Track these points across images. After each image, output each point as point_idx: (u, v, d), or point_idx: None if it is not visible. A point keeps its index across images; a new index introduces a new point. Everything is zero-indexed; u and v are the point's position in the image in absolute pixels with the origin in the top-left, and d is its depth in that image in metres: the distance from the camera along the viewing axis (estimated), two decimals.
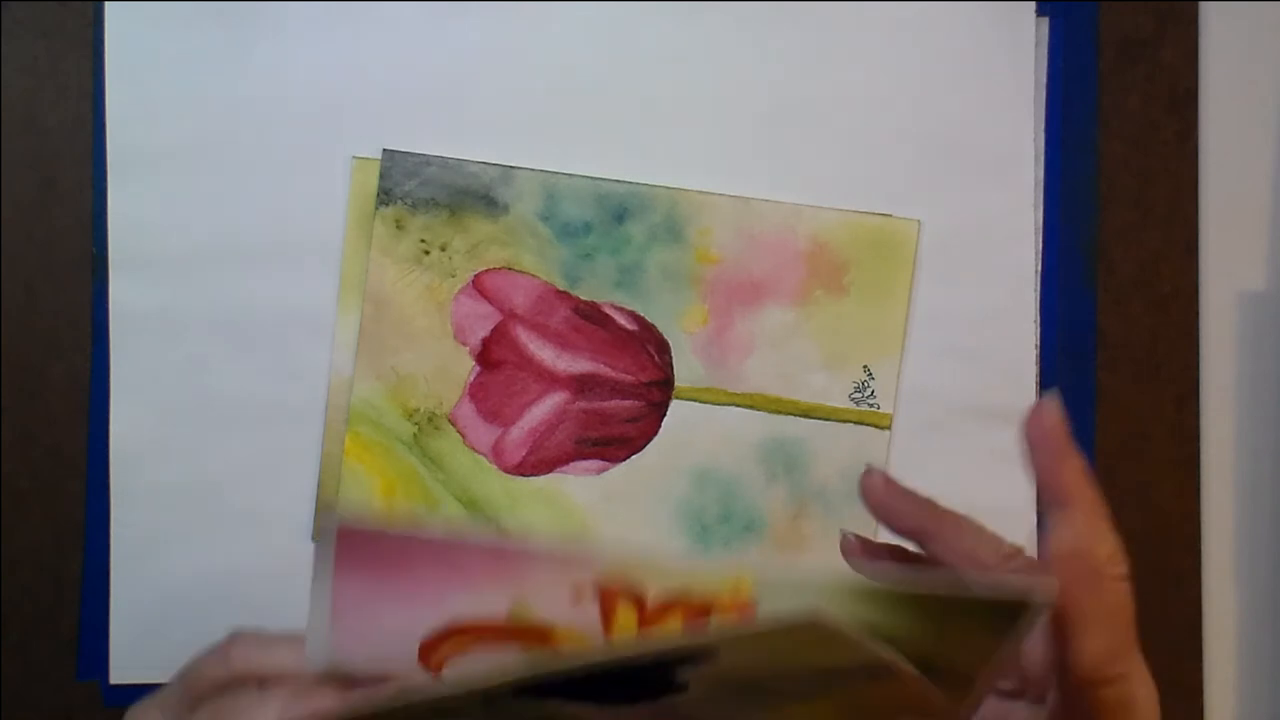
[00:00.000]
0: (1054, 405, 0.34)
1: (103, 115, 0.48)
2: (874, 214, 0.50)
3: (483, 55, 0.49)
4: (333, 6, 0.48)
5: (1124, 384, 0.52)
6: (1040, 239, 0.51)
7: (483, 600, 0.37)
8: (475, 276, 0.49)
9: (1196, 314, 0.52)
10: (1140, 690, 0.34)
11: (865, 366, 0.50)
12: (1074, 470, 0.34)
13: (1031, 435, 0.34)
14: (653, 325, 0.49)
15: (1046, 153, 0.51)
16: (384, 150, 0.48)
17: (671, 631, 0.35)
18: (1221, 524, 0.53)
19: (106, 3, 0.48)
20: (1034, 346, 0.51)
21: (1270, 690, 0.53)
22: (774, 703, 0.36)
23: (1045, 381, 0.51)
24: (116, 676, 0.48)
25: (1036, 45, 0.51)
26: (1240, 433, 0.53)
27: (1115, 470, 0.52)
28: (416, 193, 0.48)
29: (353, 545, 0.35)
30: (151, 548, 0.48)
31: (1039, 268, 0.51)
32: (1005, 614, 0.33)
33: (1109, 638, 0.33)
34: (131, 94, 0.48)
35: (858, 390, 0.50)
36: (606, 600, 0.37)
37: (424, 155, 0.48)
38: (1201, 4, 0.53)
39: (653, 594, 0.37)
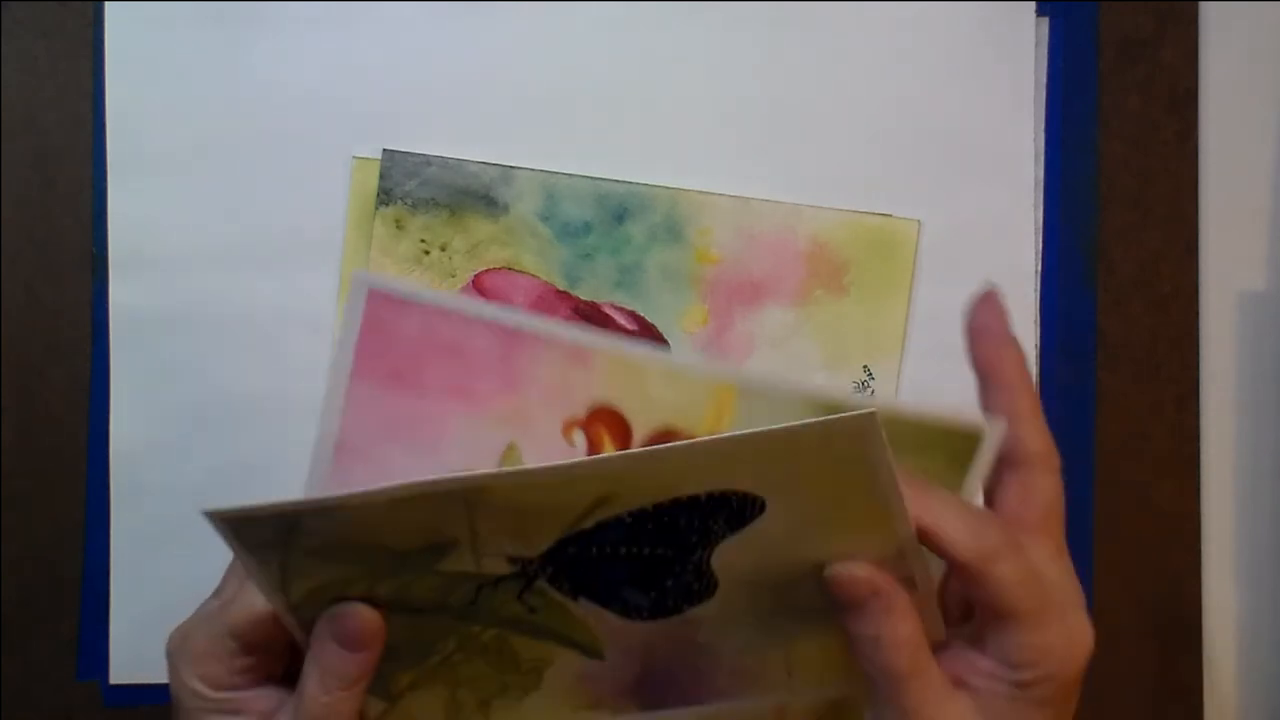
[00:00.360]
0: (996, 296, 0.34)
1: (103, 115, 0.48)
2: (874, 214, 0.50)
3: (483, 55, 0.49)
4: (333, 6, 0.48)
5: (1124, 384, 0.52)
6: (1040, 239, 0.51)
7: (482, 434, 0.37)
8: (475, 276, 0.49)
9: (1196, 314, 0.52)
10: (1052, 570, 0.35)
11: (865, 366, 0.50)
12: (1012, 361, 0.35)
13: (973, 325, 0.35)
14: (653, 325, 0.49)
15: (1046, 153, 0.51)
16: (384, 150, 0.48)
17: (719, 434, 0.36)
18: (1221, 524, 0.53)
19: (106, 3, 0.48)
20: (1034, 346, 0.51)
21: (1270, 690, 0.53)
22: (793, 630, 0.37)
23: (1045, 381, 0.51)
24: (116, 676, 0.48)
25: (1036, 45, 0.51)
26: (1240, 433, 0.53)
27: (1115, 470, 0.52)
28: (416, 193, 0.48)
29: (376, 321, 0.36)
30: (151, 548, 0.48)
31: (1039, 268, 0.51)
32: (963, 444, 0.35)
33: (967, 520, 0.34)
34: (131, 94, 0.48)
35: (858, 390, 0.50)
36: (594, 439, 0.38)
37: (424, 155, 0.48)
38: (1201, 4, 0.53)
39: (638, 427, 0.38)
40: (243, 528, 0.34)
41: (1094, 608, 0.52)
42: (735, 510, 0.34)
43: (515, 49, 0.49)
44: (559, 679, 0.37)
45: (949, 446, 0.36)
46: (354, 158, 0.48)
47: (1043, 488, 0.36)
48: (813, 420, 0.32)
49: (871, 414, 0.31)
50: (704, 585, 0.36)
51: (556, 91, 0.49)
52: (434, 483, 0.32)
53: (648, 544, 0.35)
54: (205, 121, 0.48)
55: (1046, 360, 0.51)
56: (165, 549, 0.48)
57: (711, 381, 0.38)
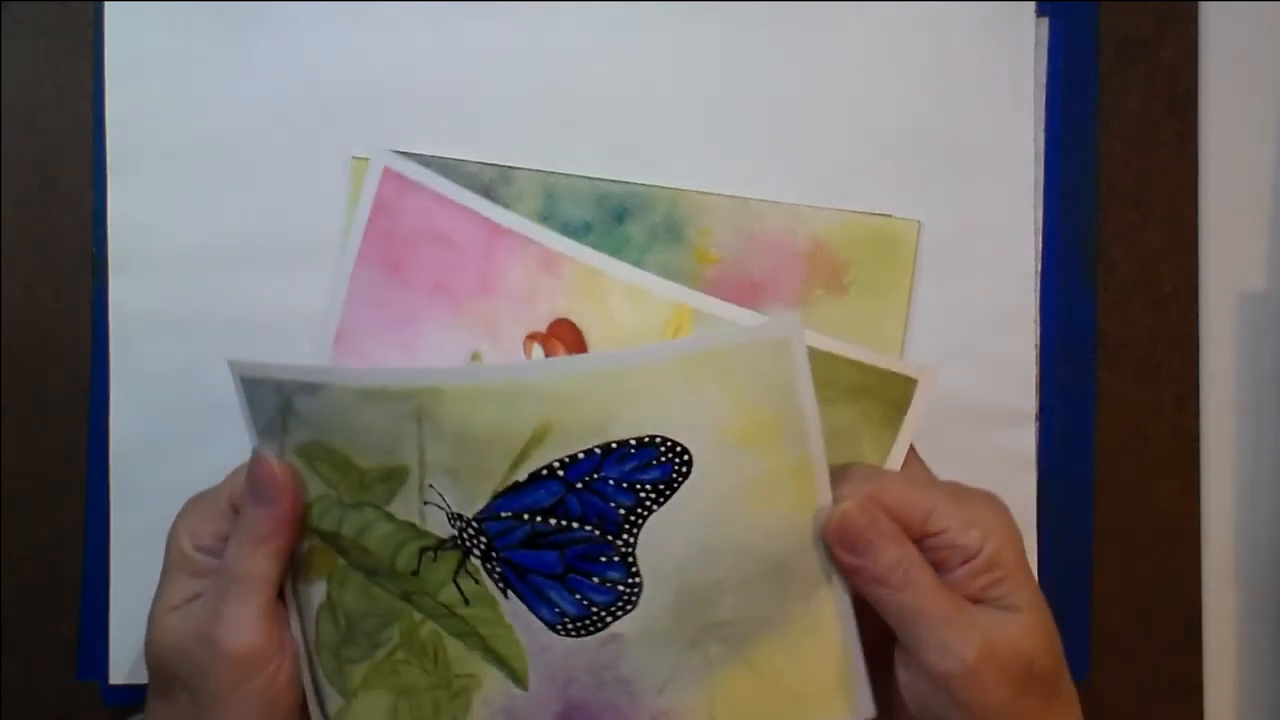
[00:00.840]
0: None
1: (103, 115, 0.48)
2: (874, 214, 0.50)
3: (483, 55, 0.49)
4: (333, 6, 0.48)
5: (1124, 384, 0.52)
6: (1040, 239, 0.51)
7: (456, 337, 0.41)
8: None
9: (1196, 314, 0.52)
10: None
11: None
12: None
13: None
14: None
15: (1046, 153, 0.51)
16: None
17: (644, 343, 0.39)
18: (1221, 524, 0.53)
19: (106, 3, 0.48)
20: (1034, 346, 0.51)
21: (1270, 690, 0.53)
22: (717, 655, 0.38)
23: (1045, 381, 0.51)
24: (116, 676, 0.48)
25: (1036, 45, 0.51)
26: (1240, 433, 0.53)
27: (1115, 470, 0.52)
28: None
29: (385, 202, 0.39)
30: (151, 548, 0.48)
31: (1039, 268, 0.51)
32: (898, 391, 0.39)
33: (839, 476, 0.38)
34: (131, 94, 0.48)
35: None
36: (550, 354, 0.41)
37: (424, 155, 0.48)
38: (1201, 4, 0.53)
39: (594, 345, 0.41)
40: (254, 395, 0.37)
41: (1094, 608, 0.52)
42: (664, 464, 0.34)
43: (515, 49, 0.49)
44: (484, 711, 0.38)
45: (884, 393, 0.38)
46: (354, 158, 0.48)
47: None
48: (741, 328, 0.35)
49: (794, 316, 0.35)
50: (630, 587, 0.36)
51: (556, 91, 0.49)
52: (397, 373, 0.35)
53: (576, 516, 0.35)
54: (205, 122, 0.48)
55: (1046, 360, 0.51)
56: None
57: (670, 302, 0.40)
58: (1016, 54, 0.51)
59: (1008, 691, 0.36)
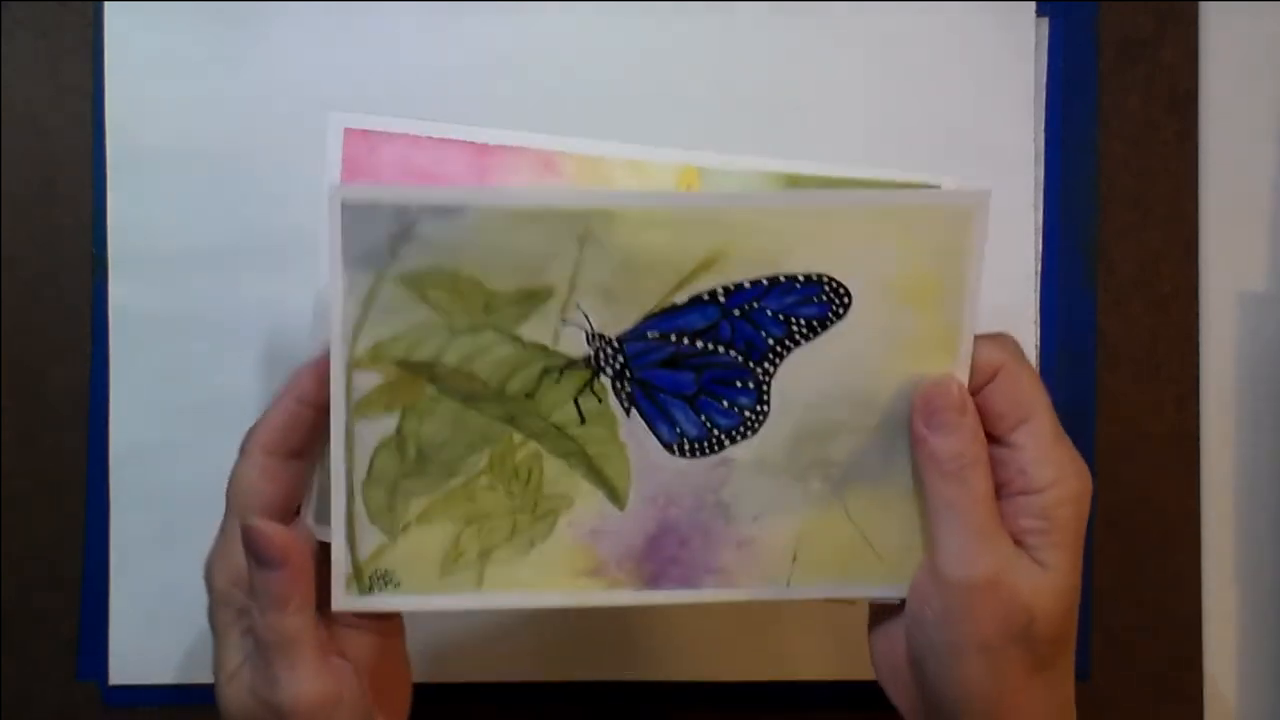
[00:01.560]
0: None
1: (103, 115, 0.48)
2: None
3: (482, 56, 0.49)
4: (332, 7, 0.48)
5: (1124, 384, 0.52)
6: (1040, 239, 0.51)
7: None
8: None
9: (1196, 314, 0.52)
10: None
11: None
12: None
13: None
14: None
15: (1046, 153, 0.51)
16: None
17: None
18: (1221, 524, 0.53)
19: (106, 3, 0.48)
20: (1034, 346, 0.51)
21: (1270, 690, 0.53)
22: (816, 495, 0.39)
23: (1045, 381, 0.51)
24: (116, 677, 0.48)
25: (1036, 45, 0.51)
26: (1240, 433, 0.53)
27: (1115, 470, 0.52)
28: None
29: (355, 161, 0.39)
30: (151, 548, 0.48)
31: (1039, 268, 0.51)
32: (956, 223, 0.38)
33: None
34: (131, 94, 0.48)
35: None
36: None
37: None
38: (1201, 4, 0.53)
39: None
40: (358, 223, 0.35)
41: (1094, 608, 0.52)
42: (824, 302, 0.36)
43: (515, 50, 0.49)
44: (570, 532, 0.38)
45: (944, 224, 0.38)
46: None
47: (1021, 377, 0.39)
48: (931, 191, 0.37)
49: (985, 190, 0.35)
50: (756, 413, 0.37)
51: (555, 91, 0.49)
52: (566, 194, 0.35)
53: (725, 340, 0.37)
54: (205, 121, 0.48)
55: (1046, 360, 0.51)
56: (165, 549, 0.48)
57: (674, 169, 0.40)
58: (1016, 54, 0.51)
59: (994, 632, 0.35)
